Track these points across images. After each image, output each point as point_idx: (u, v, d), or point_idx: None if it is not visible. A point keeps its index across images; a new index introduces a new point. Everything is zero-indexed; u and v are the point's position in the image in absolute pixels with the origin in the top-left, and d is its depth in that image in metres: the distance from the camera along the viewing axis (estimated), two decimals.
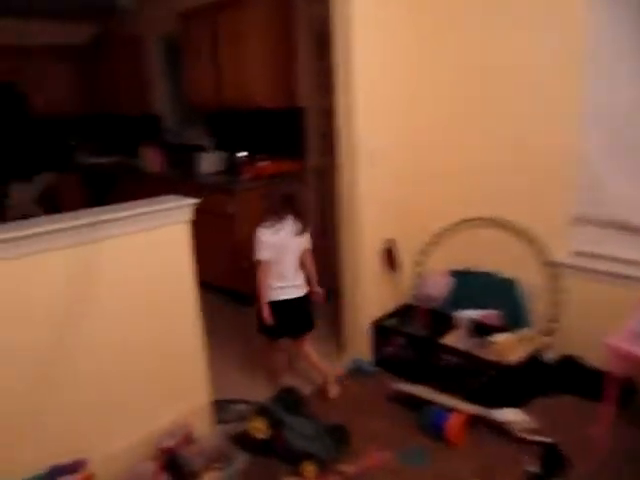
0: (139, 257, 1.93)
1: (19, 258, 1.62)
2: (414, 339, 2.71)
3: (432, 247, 2.99)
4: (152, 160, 4.62)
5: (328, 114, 3.05)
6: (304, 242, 2.50)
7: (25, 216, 1.84)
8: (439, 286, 2.92)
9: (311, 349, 2.65)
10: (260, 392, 2.58)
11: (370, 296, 2.87)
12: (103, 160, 5.49)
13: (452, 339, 2.66)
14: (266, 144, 4.20)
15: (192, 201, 2.00)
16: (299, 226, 2.42)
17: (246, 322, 3.31)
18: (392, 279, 2.98)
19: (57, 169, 5.47)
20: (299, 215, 2.41)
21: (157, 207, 1.89)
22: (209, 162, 4.31)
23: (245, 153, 4.09)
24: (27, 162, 5.49)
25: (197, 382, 2.19)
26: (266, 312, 2.45)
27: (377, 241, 2.85)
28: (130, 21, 5.32)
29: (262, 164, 3.98)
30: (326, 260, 3.06)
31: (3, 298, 1.62)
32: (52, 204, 5.24)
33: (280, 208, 2.39)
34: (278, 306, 2.47)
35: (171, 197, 2.05)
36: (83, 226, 1.73)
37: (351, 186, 2.69)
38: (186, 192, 3.86)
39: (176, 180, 4.18)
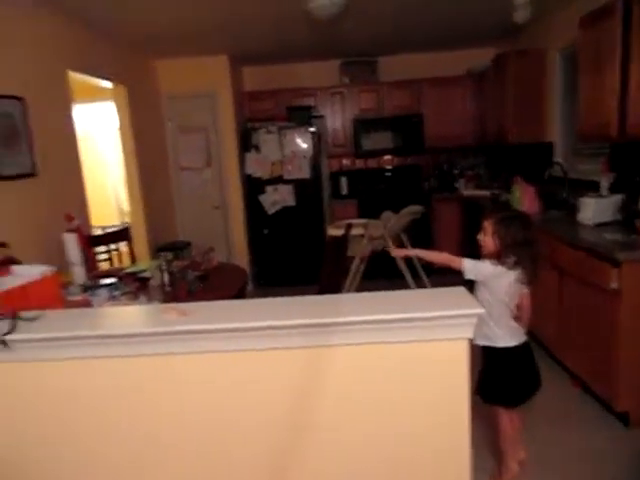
0: (399, 368, 1.36)
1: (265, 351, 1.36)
2: None
3: None
4: (524, 197, 3.85)
5: None
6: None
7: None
8: None
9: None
10: None
11: None
12: (478, 193, 5.10)
13: None
14: None
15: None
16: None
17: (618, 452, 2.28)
18: None
19: (440, 197, 5.53)
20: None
21: (428, 315, 1.26)
22: (597, 208, 3.21)
23: None
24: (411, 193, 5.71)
25: None
26: None
27: None
28: (531, 36, 4.69)
29: None
30: None
31: (251, 383, 1.40)
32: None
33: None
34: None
35: (452, 296, 1.37)
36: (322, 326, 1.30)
37: None
38: (552, 247, 3.16)
39: (548, 227, 3.30)
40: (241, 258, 5.38)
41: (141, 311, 1.65)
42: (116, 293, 2.58)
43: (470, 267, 2.03)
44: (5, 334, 1.30)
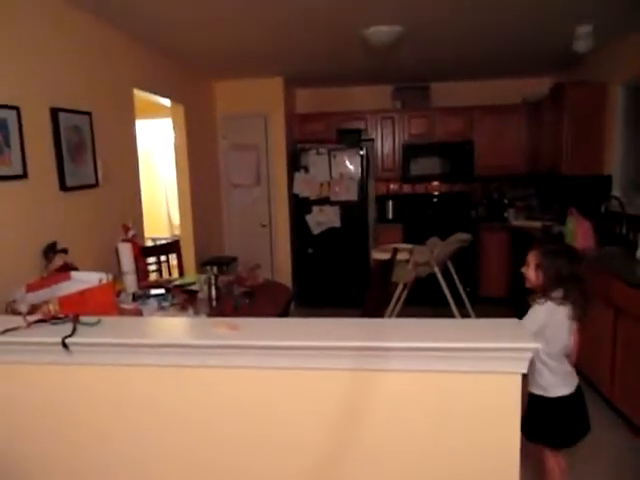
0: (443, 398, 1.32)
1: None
2: None
3: None
4: (579, 230, 3.72)
5: None
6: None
7: None
8: None
9: None
10: None
11: None
12: (529, 223, 4.97)
13: None
14: None
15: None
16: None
17: None
18: None
19: (488, 226, 5.43)
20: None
21: (477, 345, 1.24)
22: None
23: None
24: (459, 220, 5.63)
25: None
26: None
27: None
28: (590, 67, 4.58)
29: None
30: None
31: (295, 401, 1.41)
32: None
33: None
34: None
35: (506, 328, 1.33)
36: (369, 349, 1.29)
37: None
38: (608, 284, 3.01)
39: (604, 263, 3.17)
40: (284, 276, 5.42)
41: (193, 323, 1.68)
42: (165, 304, 2.65)
43: (529, 327, 1.82)
44: (67, 337, 1.35)
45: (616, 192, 4.15)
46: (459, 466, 1.34)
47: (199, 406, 1.42)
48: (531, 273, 2.03)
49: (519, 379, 1.28)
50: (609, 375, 3.01)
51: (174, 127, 4.64)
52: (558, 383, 1.98)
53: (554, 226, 4.38)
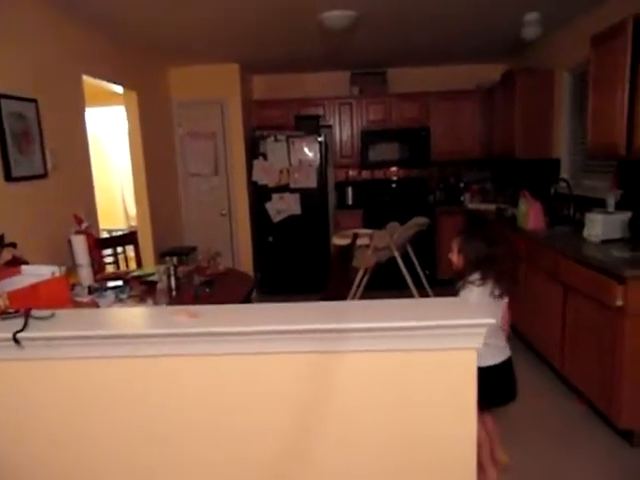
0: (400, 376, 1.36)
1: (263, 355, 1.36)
2: None
3: None
4: (530, 212, 3.85)
5: None
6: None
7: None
8: None
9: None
10: None
11: None
12: (484, 206, 5.13)
13: None
14: None
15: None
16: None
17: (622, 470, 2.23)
18: None
19: (445, 210, 5.54)
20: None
21: (434, 323, 1.27)
22: (604, 225, 3.21)
23: None
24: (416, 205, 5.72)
25: None
26: None
27: None
28: (539, 53, 4.73)
29: None
30: None
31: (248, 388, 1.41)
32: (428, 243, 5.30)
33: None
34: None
35: (459, 306, 1.38)
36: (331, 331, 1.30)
37: None
38: (557, 262, 3.16)
39: (553, 242, 3.31)
40: (245, 265, 5.39)
41: (151, 313, 1.65)
42: (123, 296, 2.59)
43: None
44: (17, 332, 1.30)
45: (564, 174, 4.32)
46: (422, 438, 1.38)
47: (160, 396, 1.40)
48: (455, 257, 2.20)
49: (475, 353, 1.33)
50: (559, 349, 3.16)
51: (127, 114, 4.50)
52: (488, 355, 2.09)
53: (507, 209, 4.52)
